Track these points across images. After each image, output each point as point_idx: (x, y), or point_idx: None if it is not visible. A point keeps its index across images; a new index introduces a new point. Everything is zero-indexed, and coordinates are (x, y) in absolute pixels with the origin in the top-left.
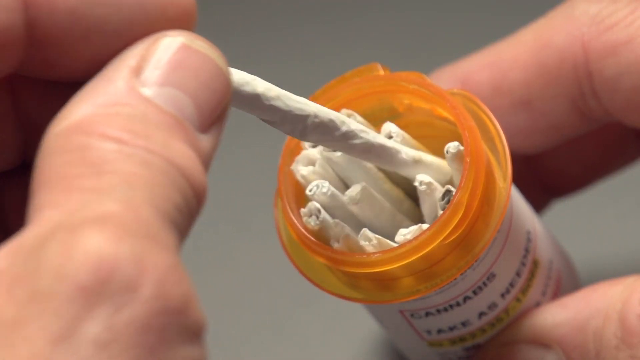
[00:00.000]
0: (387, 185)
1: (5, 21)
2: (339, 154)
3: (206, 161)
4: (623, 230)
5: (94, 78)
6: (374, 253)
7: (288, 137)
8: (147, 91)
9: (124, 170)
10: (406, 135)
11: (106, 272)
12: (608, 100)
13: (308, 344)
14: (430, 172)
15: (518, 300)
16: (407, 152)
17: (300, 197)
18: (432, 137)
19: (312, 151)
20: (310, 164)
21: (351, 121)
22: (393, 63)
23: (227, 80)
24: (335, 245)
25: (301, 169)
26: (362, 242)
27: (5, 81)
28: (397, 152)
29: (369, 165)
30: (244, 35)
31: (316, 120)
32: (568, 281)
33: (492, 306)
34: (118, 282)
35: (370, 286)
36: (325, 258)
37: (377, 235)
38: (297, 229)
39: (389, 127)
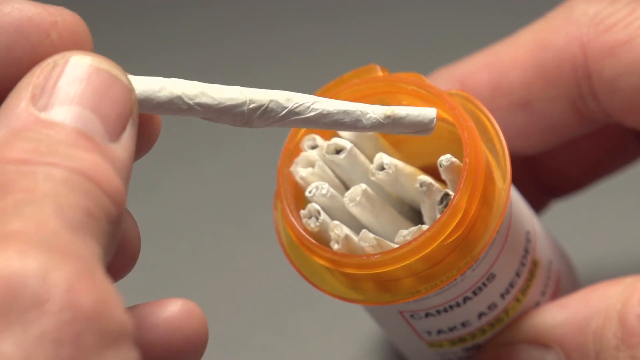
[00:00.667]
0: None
1: None
2: (342, 156)
3: (122, 167)
4: (623, 231)
5: None
6: (373, 254)
7: (287, 139)
8: (47, 114)
9: (27, 188)
10: (399, 164)
11: (12, 290)
12: (607, 101)
13: (308, 344)
14: (406, 129)
15: (518, 300)
16: (375, 110)
17: (300, 199)
18: (430, 138)
19: (311, 153)
20: (310, 165)
21: (299, 95)
22: (391, 64)
23: (125, 87)
24: (335, 247)
25: (300, 171)
26: (362, 244)
27: None
28: (365, 113)
29: (371, 166)
30: (243, 35)
31: (253, 105)
32: (567, 281)
33: (492, 306)
34: (25, 298)
35: (370, 287)
36: (325, 260)
37: (376, 237)
38: (297, 231)
39: (381, 157)
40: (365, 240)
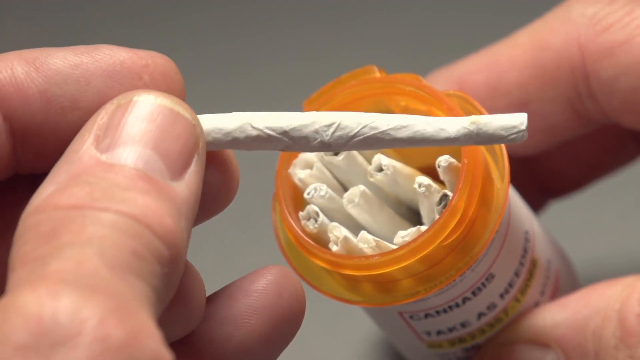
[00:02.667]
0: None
1: None
2: (340, 157)
3: (183, 205)
4: (622, 230)
5: (61, 157)
6: (372, 255)
7: None
8: (108, 156)
9: (73, 231)
10: (398, 165)
11: (43, 326)
12: (605, 102)
13: (307, 345)
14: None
15: (517, 300)
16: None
17: (298, 201)
18: None
19: (309, 154)
20: (308, 167)
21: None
22: (389, 65)
23: (188, 123)
24: (334, 248)
25: (299, 172)
26: (361, 245)
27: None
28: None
29: (369, 167)
30: (243, 35)
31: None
32: (566, 281)
33: (491, 307)
34: (56, 333)
35: (369, 289)
36: (324, 261)
37: (375, 238)
38: (296, 232)
39: (379, 158)
40: (364, 241)
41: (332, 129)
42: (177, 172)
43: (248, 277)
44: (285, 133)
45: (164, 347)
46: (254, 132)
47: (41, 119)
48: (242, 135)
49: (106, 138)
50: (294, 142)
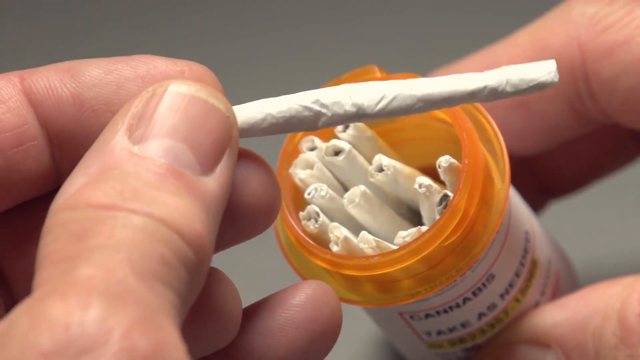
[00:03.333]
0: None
1: (17, 122)
2: (341, 157)
3: (213, 201)
4: (622, 230)
5: (93, 145)
6: (373, 256)
7: (285, 141)
8: (140, 148)
9: (104, 234)
10: (398, 165)
11: (69, 336)
12: (605, 101)
13: None
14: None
15: (517, 300)
16: (488, 79)
17: (299, 201)
18: (428, 139)
19: (310, 154)
20: (308, 167)
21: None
22: (389, 65)
23: (222, 115)
24: (335, 249)
25: (299, 173)
26: (361, 245)
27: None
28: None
29: (370, 168)
30: (243, 35)
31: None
32: (566, 281)
33: (492, 307)
34: (82, 342)
35: (369, 289)
36: (324, 261)
37: (376, 238)
38: (296, 233)
39: (380, 159)
40: (365, 241)
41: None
42: (209, 166)
43: (287, 290)
44: (317, 101)
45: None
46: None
47: (75, 124)
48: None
49: (139, 128)
50: (327, 110)
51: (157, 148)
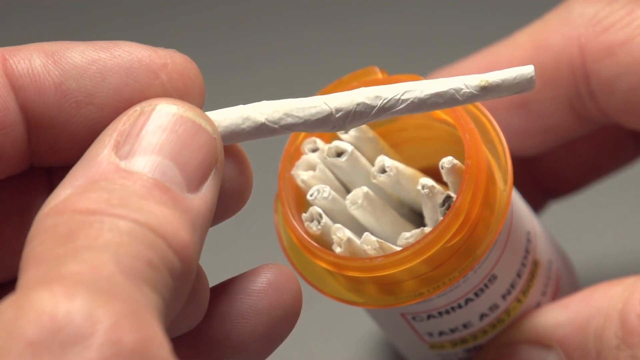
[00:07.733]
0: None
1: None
2: (343, 158)
3: (198, 218)
4: (623, 231)
5: (79, 160)
6: (376, 257)
7: (288, 142)
8: (127, 163)
9: (90, 236)
10: (401, 166)
11: (55, 325)
12: (605, 102)
13: (308, 345)
14: (504, 94)
15: (519, 301)
16: (469, 82)
17: (301, 202)
18: (430, 140)
19: (312, 156)
20: (311, 168)
21: (386, 88)
22: (389, 65)
23: (209, 136)
24: (337, 250)
25: (301, 174)
26: (364, 246)
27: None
28: (458, 90)
29: (372, 169)
30: (243, 35)
31: (341, 114)
32: (567, 281)
33: (494, 307)
34: (68, 332)
35: (372, 290)
36: (327, 263)
37: (379, 239)
38: (299, 234)
39: (382, 160)
40: (368, 243)
41: (349, 118)
42: (195, 184)
43: (247, 275)
44: (303, 127)
45: (174, 358)
46: (269, 132)
47: (55, 112)
48: (257, 135)
49: (126, 145)
50: (308, 130)
51: (144, 164)
